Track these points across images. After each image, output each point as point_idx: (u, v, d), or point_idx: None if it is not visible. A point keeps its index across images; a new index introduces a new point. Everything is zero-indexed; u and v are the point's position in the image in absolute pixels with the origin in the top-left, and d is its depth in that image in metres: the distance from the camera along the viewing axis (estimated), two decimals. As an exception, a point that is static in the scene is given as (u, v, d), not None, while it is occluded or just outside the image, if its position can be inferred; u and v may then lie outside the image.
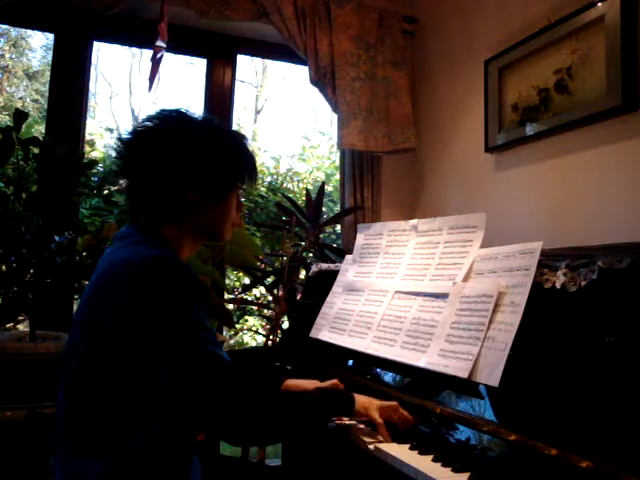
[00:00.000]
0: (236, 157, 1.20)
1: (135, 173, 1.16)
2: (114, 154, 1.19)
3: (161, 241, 1.13)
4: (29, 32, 7.12)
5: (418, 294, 1.47)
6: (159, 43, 2.30)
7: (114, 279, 1.03)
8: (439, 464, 1.04)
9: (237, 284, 4.48)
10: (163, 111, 1.19)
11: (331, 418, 1.20)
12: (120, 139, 1.17)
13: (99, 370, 1.02)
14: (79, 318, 1.09)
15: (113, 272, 1.04)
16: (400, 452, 1.10)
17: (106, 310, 1.02)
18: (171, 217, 1.15)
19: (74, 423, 1.04)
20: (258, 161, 5.86)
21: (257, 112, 9.28)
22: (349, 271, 1.84)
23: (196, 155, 1.14)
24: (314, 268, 2.18)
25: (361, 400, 1.21)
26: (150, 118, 1.17)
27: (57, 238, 2.18)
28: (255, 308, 3.78)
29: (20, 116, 2.09)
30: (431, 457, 1.07)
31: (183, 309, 1.00)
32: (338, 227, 3.61)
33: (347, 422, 1.28)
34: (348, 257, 1.91)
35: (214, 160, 1.16)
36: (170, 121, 1.17)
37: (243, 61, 10.13)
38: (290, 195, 4.74)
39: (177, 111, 1.20)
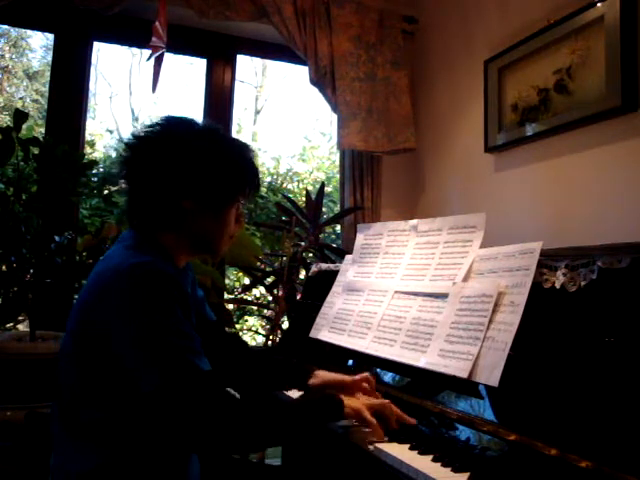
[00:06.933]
0: (238, 170, 1.17)
1: (134, 178, 1.15)
2: (114, 155, 1.20)
3: (156, 247, 1.13)
4: (29, 32, 7.11)
5: (418, 294, 1.47)
6: (154, 42, 2.29)
7: (104, 283, 1.05)
8: (439, 464, 1.03)
9: (237, 284, 4.48)
10: (168, 118, 1.18)
11: (318, 425, 1.17)
12: (124, 142, 1.17)
13: (86, 370, 1.04)
14: (71, 318, 1.10)
15: (104, 276, 1.06)
16: (400, 452, 1.10)
17: (95, 312, 1.04)
18: (167, 225, 1.14)
19: (65, 421, 1.06)
20: (258, 161, 5.86)
21: (257, 112, 9.27)
22: (349, 271, 1.83)
23: (195, 165, 1.12)
24: (314, 268, 2.18)
25: (350, 402, 1.16)
26: (154, 124, 1.15)
27: (57, 238, 2.18)
28: (255, 308, 3.78)
29: (20, 116, 2.09)
30: (431, 457, 1.06)
31: (163, 316, 1.00)
32: (338, 227, 3.61)
33: (345, 423, 1.28)
34: (348, 257, 1.91)
35: (214, 172, 1.13)
36: (173, 129, 1.15)
37: (243, 61, 10.12)
38: (290, 195, 4.74)
39: (182, 119, 1.18)
